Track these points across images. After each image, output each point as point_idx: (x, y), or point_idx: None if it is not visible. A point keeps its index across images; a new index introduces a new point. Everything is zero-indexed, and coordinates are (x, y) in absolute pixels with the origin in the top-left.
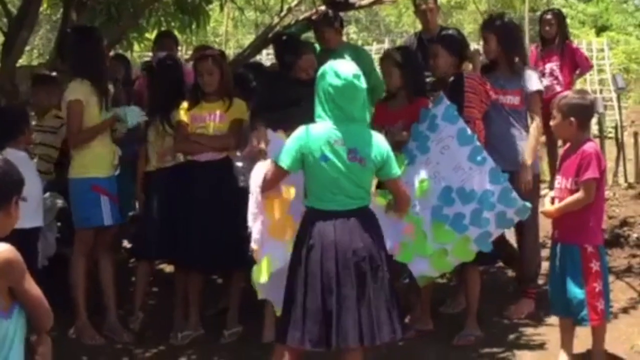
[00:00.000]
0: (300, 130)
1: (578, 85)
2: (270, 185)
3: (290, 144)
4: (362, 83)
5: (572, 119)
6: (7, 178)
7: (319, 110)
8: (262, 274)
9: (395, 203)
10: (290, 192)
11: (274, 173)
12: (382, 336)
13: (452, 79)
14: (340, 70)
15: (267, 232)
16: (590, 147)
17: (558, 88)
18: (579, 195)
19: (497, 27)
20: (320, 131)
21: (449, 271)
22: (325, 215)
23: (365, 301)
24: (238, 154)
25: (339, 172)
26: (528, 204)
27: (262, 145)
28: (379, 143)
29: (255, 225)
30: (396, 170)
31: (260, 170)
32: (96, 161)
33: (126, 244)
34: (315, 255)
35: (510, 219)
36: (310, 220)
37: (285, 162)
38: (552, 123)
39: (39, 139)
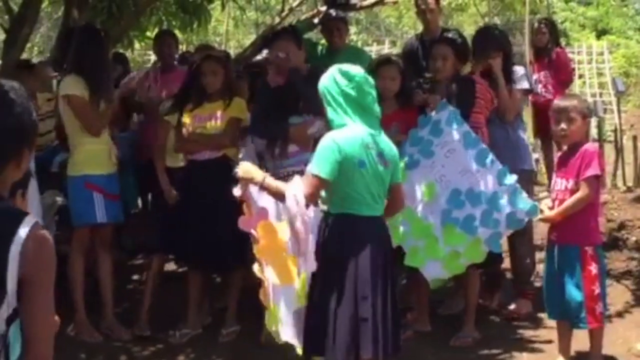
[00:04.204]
0: (331, 138)
1: (577, 88)
2: (313, 198)
3: (326, 153)
4: (371, 80)
5: (589, 119)
6: (25, 117)
7: (337, 116)
8: (273, 322)
9: (388, 206)
10: (281, 230)
11: (315, 185)
12: (389, 349)
13: (462, 82)
14: (350, 70)
15: (277, 281)
16: (592, 146)
17: (550, 96)
18: (580, 194)
19: (504, 44)
20: (353, 135)
21: (461, 272)
22: (358, 221)
23: (388, 311)
24: (240, 155)
25: (372, 177)
26: (537, 204)
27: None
28: (392, 145)
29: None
30: (401, 174)
31: (293, 193)
32: (90, 159)
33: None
34: (350, 261)
35: (521, 219)
36: (342, 226)
37: (325, 171)
38: (571, 127)
39: (43, 129)
